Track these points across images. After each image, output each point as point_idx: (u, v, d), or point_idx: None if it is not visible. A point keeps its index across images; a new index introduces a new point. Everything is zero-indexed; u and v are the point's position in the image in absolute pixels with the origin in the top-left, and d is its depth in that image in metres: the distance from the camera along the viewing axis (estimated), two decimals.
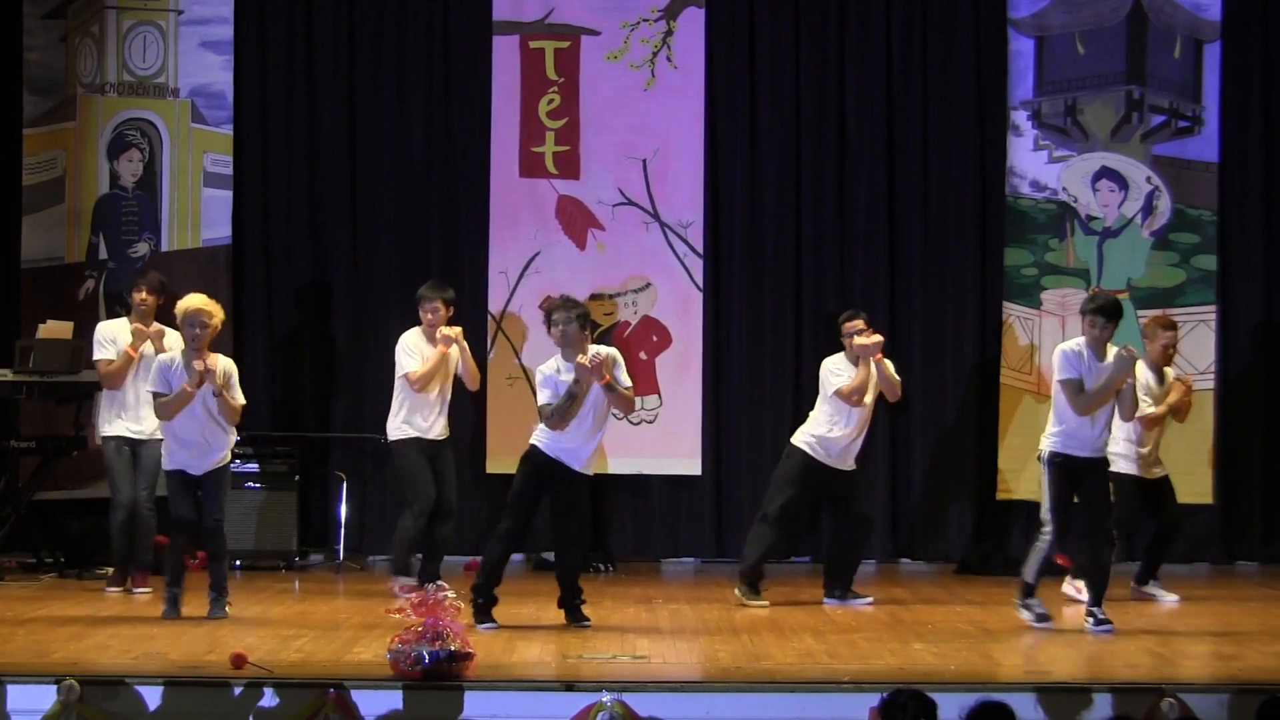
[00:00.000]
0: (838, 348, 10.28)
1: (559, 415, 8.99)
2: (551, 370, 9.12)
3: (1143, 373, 10.19)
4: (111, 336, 10.63)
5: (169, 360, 9.43)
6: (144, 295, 10.62)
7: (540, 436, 9.12)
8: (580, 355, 9.03)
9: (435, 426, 10.40)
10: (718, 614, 9.78)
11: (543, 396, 9.10)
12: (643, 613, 9.83)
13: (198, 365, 9.21)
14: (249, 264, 12.77)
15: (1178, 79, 12.49)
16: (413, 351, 10.40)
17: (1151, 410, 10.32)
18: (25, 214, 12.58)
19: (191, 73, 12.63)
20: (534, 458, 9.13)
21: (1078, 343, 9.14)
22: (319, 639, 8.50)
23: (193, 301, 9.44)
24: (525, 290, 12.52)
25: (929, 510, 12.60)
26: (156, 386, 9.36)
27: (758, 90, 12.72)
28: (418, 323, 10.45)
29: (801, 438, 10.19)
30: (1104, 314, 9.15)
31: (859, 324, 10.18)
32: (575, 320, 9.12)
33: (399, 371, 10.41)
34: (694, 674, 7.83)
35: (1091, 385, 9.00)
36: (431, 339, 10.42)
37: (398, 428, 10.40)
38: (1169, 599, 10.45)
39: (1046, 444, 9.19)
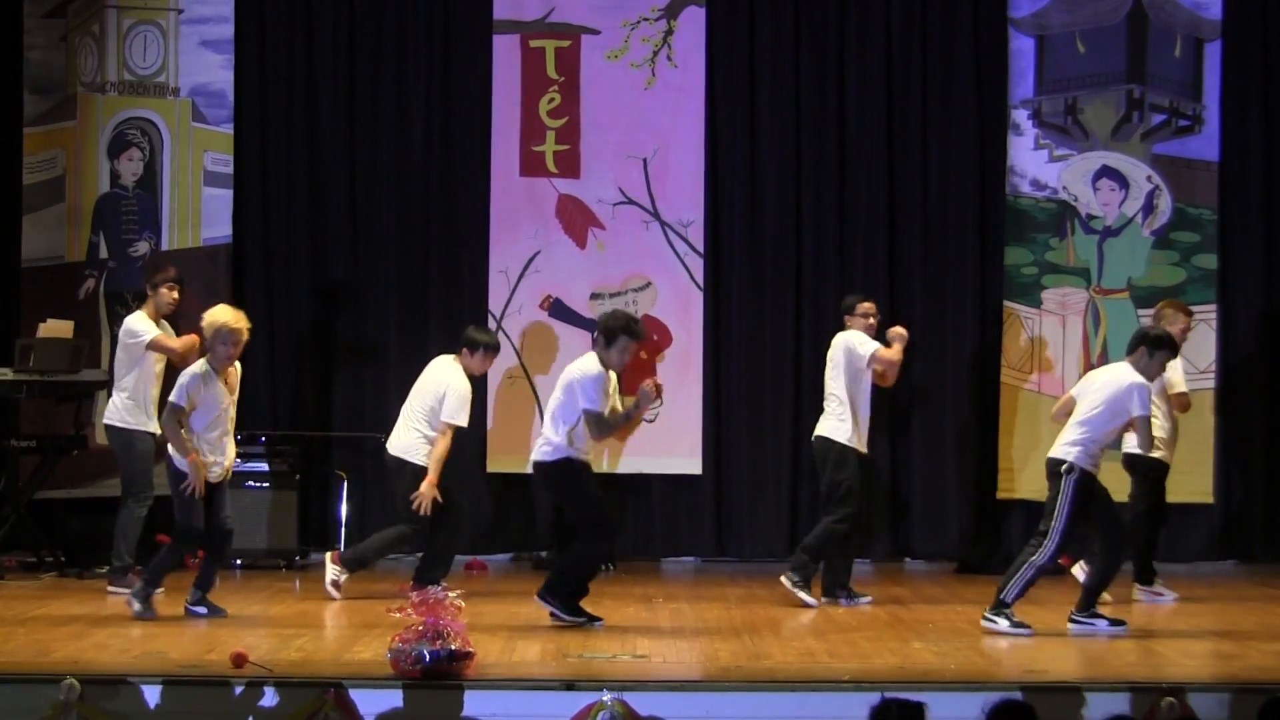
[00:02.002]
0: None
1: (608, 429, 9.04)
2: (598, 373, 9.05)
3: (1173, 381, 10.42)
4: (149, 325, 10.41)
5: (199, 374, 9.19)
6: (175, 294, 10.46)
7: (570, 447, 9.08)
8: (649, 382, 9.05)
9: None
10: (718, 613, 9.78)
11: (590, 403, 9.00)
12: (643, 612, 9.84)
13: (201, 474, 9.10)
14: (249, 263, 12.77)
15: (1178, 78, 12.49)
16: (463, 396, 10.31)
17: (1181, 388, 10.47)
18: (26, 213, 12.58)
19: (192, 72, 12.62)
20: (583, 467, 9.15)
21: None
22: (319, 638, 8.51)
23: (225, 316, 9.19)
24: (525, 289, 12.52)
25: (929, 510, 12.60)
26: (179, 399, 9.13)
27: (758, 89, 12.72)
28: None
29: (835, 427, 10.17)
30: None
31: (873, 306, 10.28)
32: (640, 344, 9.23)
33: (446, 415, 10.27)
34: (694, 673, 7.83)
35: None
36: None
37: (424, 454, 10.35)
38: (1169, 597, 10.45)
39: (1075, 457, 9.01)
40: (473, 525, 12.20)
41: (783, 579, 10.02)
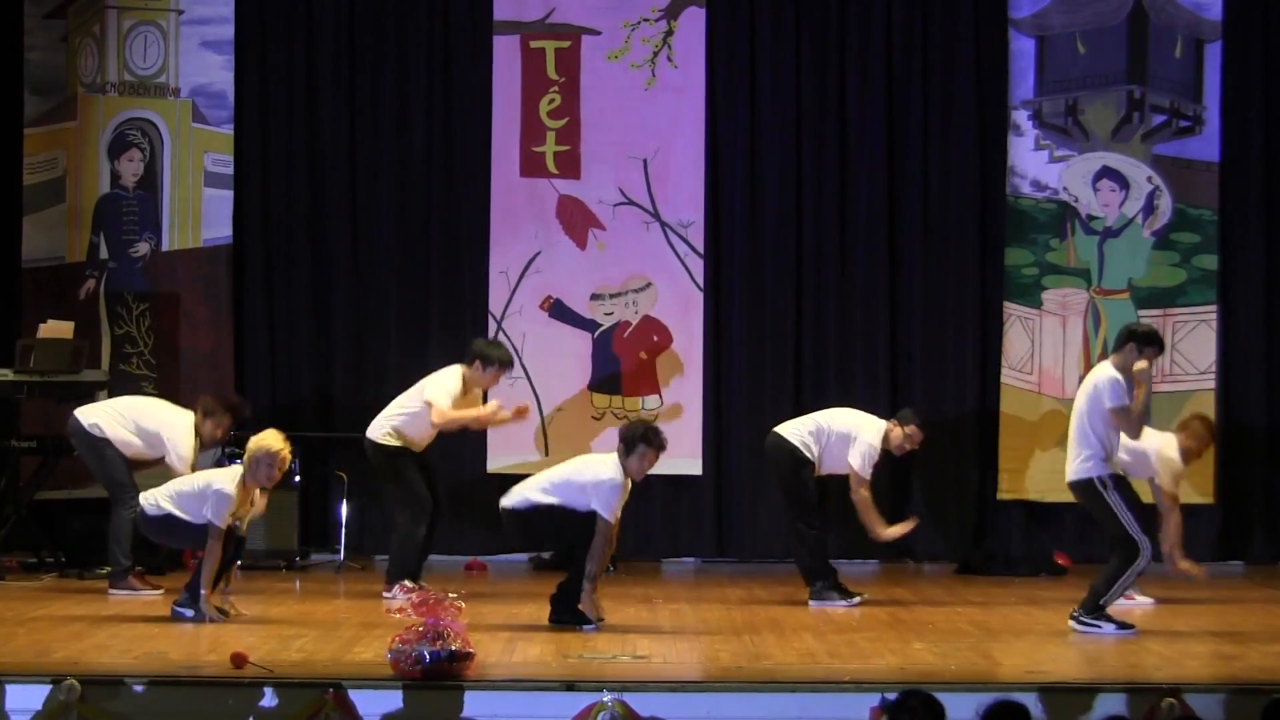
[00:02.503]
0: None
1: (607, 545, 9.09)
2: (619, 483, 9.03)
3: (1174, 460, 10.27)
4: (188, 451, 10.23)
5: (231, 495, 9.11)
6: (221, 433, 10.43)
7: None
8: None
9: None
10: (718, 614, 9.78)
11: (606, 512, 8.99)
12: (643, 612, 9.83)
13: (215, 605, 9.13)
14: (249, 263, 12.77)
15: (1179, 79, 12.49)
16: (451, 391, 10.18)
17: (1175, 473, 10.36)
18: (26, 214, 12.59)
19: (192, 72, 12.63)
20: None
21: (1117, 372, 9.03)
22: (320, 639, 8.50)
23: (275, 443, 9.15)
24: (526, 290, 12.52)
25: (930, 510, 12.59)
26: (218, 520, 9.05)
27: (758, 90, 12.72)
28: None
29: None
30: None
31: (920, 436, 10.29)
32: (659, 455, 9.23)
33: (426, 394, 10.19)
34: (695, 674, 7.83)
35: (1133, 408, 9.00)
36: (470, 388, 10.30)
37: (388, 434, 10.28)
38: (1145, 601, 10.38)
39: (1093, 471, 8.98)
40: (474, 525, 12.22)
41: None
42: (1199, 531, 12.40)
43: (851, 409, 10.54)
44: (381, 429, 10.30)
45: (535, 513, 9.14)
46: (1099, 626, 8.98)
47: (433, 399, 10.13)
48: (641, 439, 9.11)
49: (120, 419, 10.36)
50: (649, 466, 9.22)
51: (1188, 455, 10.42)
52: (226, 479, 9.21)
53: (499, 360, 10.28)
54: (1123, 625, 9.01)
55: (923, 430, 10.33)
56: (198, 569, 9.27)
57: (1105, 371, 9.09)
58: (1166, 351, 12.25)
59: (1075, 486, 9.11)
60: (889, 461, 12.40)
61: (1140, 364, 8.97)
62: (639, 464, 9.11)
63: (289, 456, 9.26)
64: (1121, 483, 9.03)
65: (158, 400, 10.76)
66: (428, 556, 10.51)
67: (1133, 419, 8.99)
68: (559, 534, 9.29)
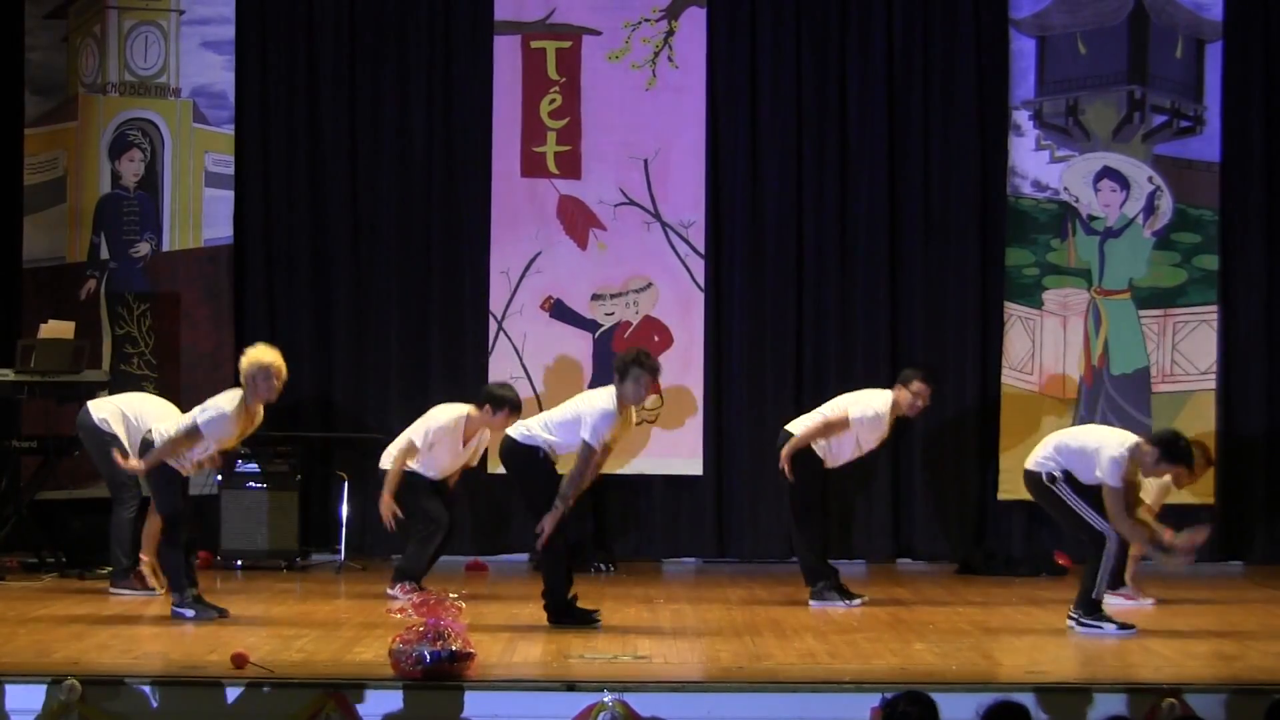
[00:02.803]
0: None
1: (591, 470, 9.06)
2: (610, 411, 8.99)
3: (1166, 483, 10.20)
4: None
5: (230, 414, 9.15)
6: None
7: (546, 443, 9.15)
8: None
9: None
10: (719, 614, 9.78)
11: (592, 437, 8.96)
12: (644, 613, 9.83)
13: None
14: (250, 264, 12.78)
15: (1179, 79, 12.49)
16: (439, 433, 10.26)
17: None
18: (27, 214, 12.60)
19: (193, 73, 12.63)
20: (550, 463, 9.18)
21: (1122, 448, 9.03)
22: (320, 639, 8.50)
23: (266, 355, 9.17)
24: (526, 290, 12.52)
25: (930, 510, 12.60)
26: (208, 432, 9.10)
27: (759, 90, 12.73)
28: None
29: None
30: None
31: (928, 391, 10.15)
32: (654, 382, 9.18)
33: (431, 434, 10.22)
34: (695, 674, 7.82)
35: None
36: (468, 433, 10.29)
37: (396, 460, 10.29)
38: (1146, 601, 10.37)
39: (1046, 466, 9.17)
40: (474, 525, 12.22)
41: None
42: None
43: (852, 392, 10.48)
44: (386, 456, 10.35)
45: (529, 450, 9.14)
46: (1100, 627, 8.98)
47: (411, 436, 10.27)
48: (633, 363, 9.02)
49: (128, 421, 10.32)
50: (646, 391, 9.12)
51: (1180, 479, 10.27)
52: (225, 400, 9.21)
53: (510, 403, 10.22)
54: (1124, 626, 9.01)
55: (929, 384, 10.16)
56: (175, 568, 9.33)
57: (1121, 445, 9.02)
58: (1167, 352, 12.30)
59: (1027, 478, 9.28)
60: (889, 462, 12.47)
61: (1163, 477, 9.21)
62: (635, 389, 9.02)
63: (283, 365, 9.22)
64: (1071, 478, 9.11)
65: (165, 405, 10.61)
66: (434, 564, 10.55)
67: (1121, 518, 8.94)
68: (533, 482, 9.21)
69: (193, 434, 9.15)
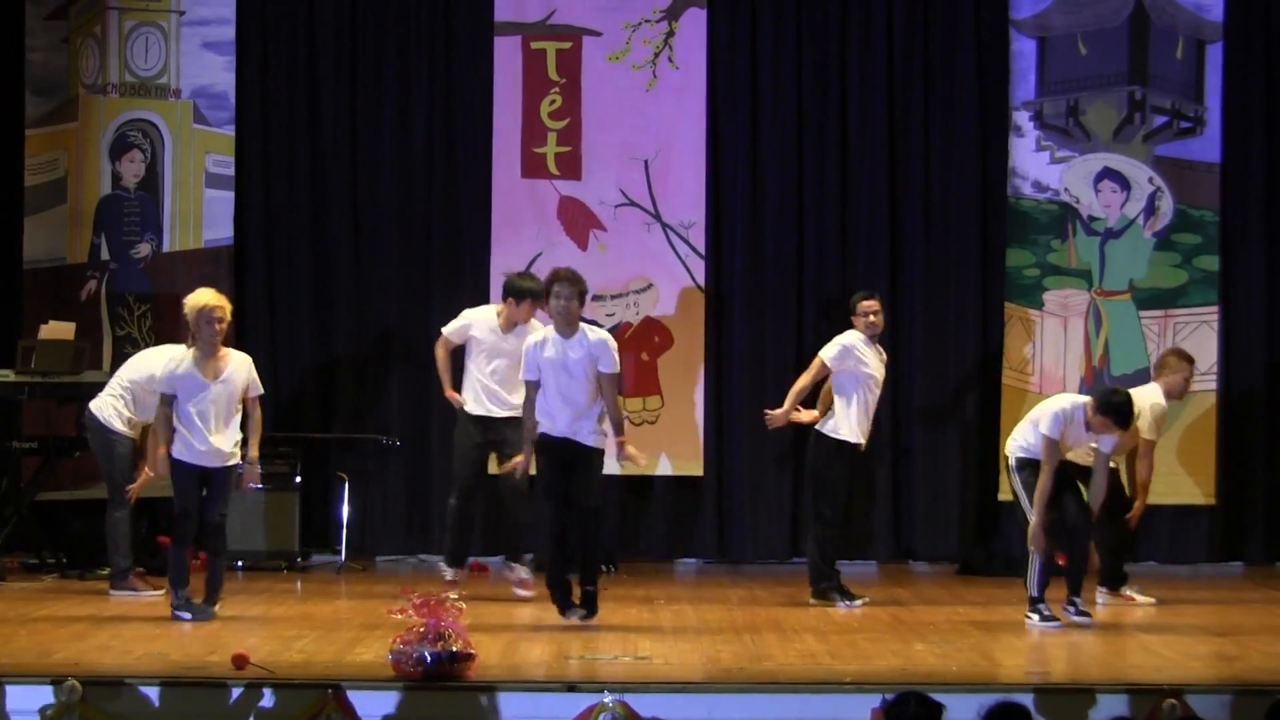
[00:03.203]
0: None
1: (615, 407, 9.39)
2: (535, 344, 9.31)
3: (1152, 410, 10.30)
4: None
5: (177, 359, 9.35)
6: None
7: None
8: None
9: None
10: (720, 614, 9.79)
11: (525, 373, 9.38)
12: (645, 613, 9.84)
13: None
14: (251, 265, 12.77)
15: (1180, 79, 12.49)
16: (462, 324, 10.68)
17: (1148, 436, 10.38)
18: (27, 214, 12.58)
19: (193, 74, 12.63)
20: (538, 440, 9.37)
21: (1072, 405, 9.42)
22: (321, 639, 8.51)
23: (204, 297, 9.33)
24: None
25: (930, 510, 12.60)
26: (165, 389, 9.33)
27: (759, 91, 12.72)
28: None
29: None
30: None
31: (875, 304, 10.23)
32: (577, 297, 9.33)
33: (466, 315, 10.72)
34: (696, 675, 7.82)
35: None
36: (511, 323, 10.58)
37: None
38: (1147, 601, 10.38)
39: (1019, 451, 9.57)
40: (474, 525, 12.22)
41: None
42: (1200, 532, 12.43)
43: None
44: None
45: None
46: (1029, 617, 9.32)
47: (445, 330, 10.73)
48: (562, 281, 9.39)
49: (117, 398, 10.34)
50: (574, 313, 9.32)
51: (1173, 391, 10.44)
52: (170, 350, 9.53)
53: (530, 293, 10.50)
54: (1047, 618, 9.27)
55: (872, 297, 10.29)
56: (216, 568, 9.36)
57: (1073, 400, 9.55)
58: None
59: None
60: (889, 461, 12.47)
61: (1110, 433, 9.34)
62: (560, 311, 9.27)
63: (218, 301, 9.31)
64: (1025, 465, 9.49)
65: (144, 359, 10.55)
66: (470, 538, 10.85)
67: (1049, 461, 9.36)
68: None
69: (163, 398, 9.34)
